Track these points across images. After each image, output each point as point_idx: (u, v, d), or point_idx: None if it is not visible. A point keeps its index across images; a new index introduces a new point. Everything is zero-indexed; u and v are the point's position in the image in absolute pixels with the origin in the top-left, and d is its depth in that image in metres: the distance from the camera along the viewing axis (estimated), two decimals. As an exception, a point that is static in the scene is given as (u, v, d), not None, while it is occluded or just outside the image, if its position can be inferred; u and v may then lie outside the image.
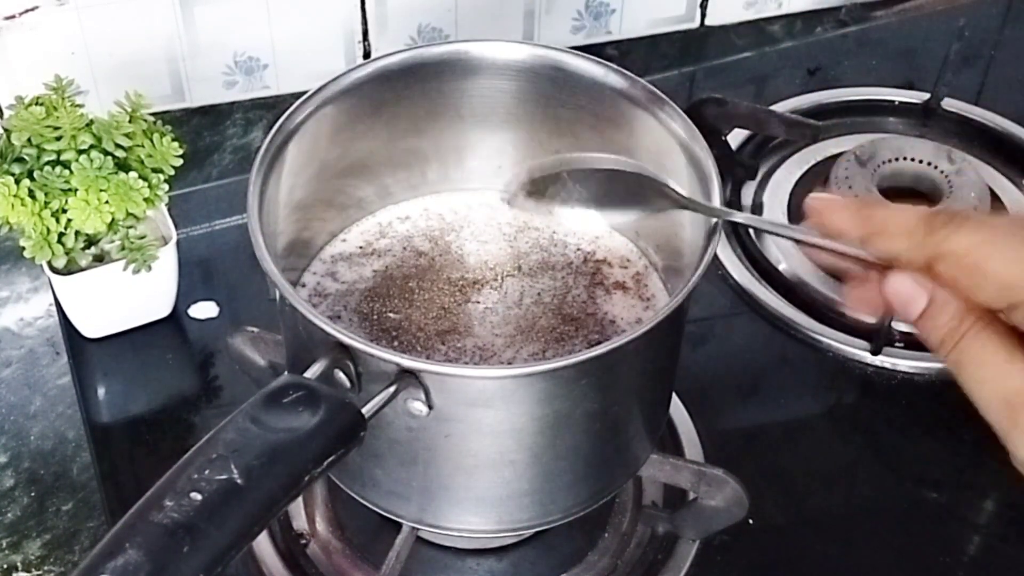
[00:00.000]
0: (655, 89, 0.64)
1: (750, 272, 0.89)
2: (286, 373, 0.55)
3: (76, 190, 0.73)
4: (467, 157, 0.72)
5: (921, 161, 0.93)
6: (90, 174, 0.73)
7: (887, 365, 0.83)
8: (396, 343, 0.65)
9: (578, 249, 0.71)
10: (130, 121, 0.76)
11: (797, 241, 0.57)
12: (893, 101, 1.03)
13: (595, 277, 0.69)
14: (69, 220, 0.74)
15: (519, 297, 0.68)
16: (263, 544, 0.71)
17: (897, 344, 0.83)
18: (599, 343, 0.65)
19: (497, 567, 0.71)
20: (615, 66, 0.65)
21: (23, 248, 0.75)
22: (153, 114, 0.79)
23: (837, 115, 1.01)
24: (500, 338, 0.65)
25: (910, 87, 1.04)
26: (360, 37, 0.99)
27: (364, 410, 0.52)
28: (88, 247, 0.78)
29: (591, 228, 0.71)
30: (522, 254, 0.70)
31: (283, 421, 0.49)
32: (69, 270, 0.78)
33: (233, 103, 0.99)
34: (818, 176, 0.95)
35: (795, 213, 0.94)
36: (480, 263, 0.70)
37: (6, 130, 0.74)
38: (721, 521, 0.69)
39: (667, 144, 0.64)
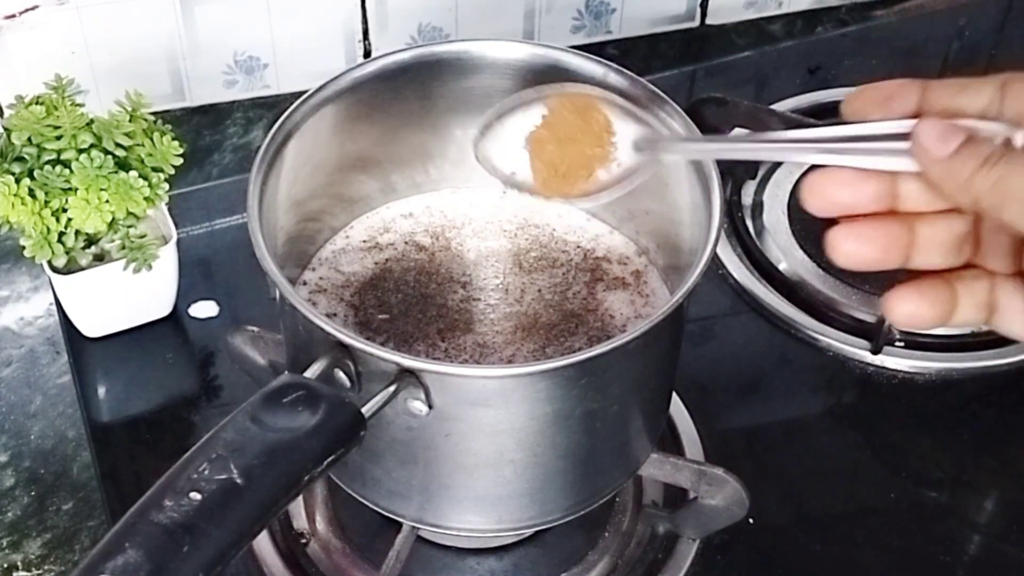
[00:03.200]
0: (655, 88, 0.64)
1: (750, 272, 0.89)
2: (286, 372, 0.55)
3: (76, 189, 0.73)
4: (468, 155, 0.71)
5: (921, 160, 0.93)
6: (90, 173, 0.73)
7: (887, 365, 0.83)
8: (395, 340, 0.65)
9: (578, 246, 0.71)
10: (130, 120, 0.76)
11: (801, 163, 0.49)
12: (893, 100, 1.03)
13: (595, 274, 0.69)
14: (69, 219, 0.74)
15: (520, 294, 0.68)
16: (263, 544, 0.71)
17: (897, 344, 0.83)
18: (600, 339, 0.65)
19: (497, 566, 0.71)
20: (615, 65, 0.65)
21: (23, 247, 0.74)
22: (153, 113, 0.79)
23: (837, 114, 1.01)
24: (500, 335, 0.65)
25: (910, 86, 1.04)
26: (360, 36, 0.99)
27: (364, 410, 0.52)
28: (88, 246, 0.78)
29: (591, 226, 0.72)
30: (522, 251, 0.70)
31: (283, 421, 0.49)
32: (69, 269, 0.78)
33: (233, 102, 0.99)
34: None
35: (795, 213, 0.94)
36: (481, 260, 0.70)
37: (6, 129, 0.74)
38: (721, 520, 0.69)
39: (667, 143, 0.64)
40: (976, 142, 0.42)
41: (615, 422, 0.61)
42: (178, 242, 0.80)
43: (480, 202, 0.73)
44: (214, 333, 0.83)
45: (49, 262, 0.77)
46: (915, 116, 0.44)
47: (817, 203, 0.45)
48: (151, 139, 0.76)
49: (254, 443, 0.48)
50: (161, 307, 0.84)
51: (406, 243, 0.71)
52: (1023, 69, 0.43)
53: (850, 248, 0.44)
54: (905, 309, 0.44)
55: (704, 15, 1.09)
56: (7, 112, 0.77)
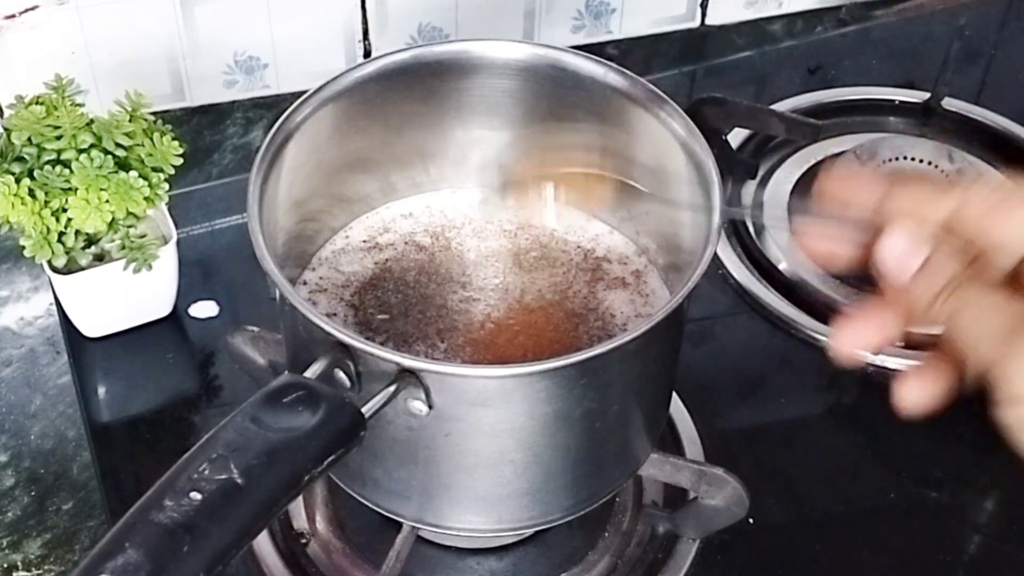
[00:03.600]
0: (655, 88, 0.64)
1: (750, 272, 0.89)
2: (286, 372, 0.55)
3: (76, 189, 0.73)
4: (468, 155, 0.72)
5: (921, 160, 0.93)
6: (90, 173, 0.73)
7: (887, 365, 0.83)
8: (395, 340, 0.65)
9: (578, 247, 0.71)
10: (130, 120, 0.76)
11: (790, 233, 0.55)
12: (893, 100, 1.03)
13: (595, 273, 0.69)
14: (69, 219, 0.74)
15: (520, 294, 0.68)
16: (263, 543, 0.71)
17: (897, 344, 0.83)
18: (600, 339, 0.65)
19: (497, 566, 0.71)
20: (615, 65, 0.65)
21: (23, 247, 0.74)
22: (153, 113, 0.79)
23: (837, 114, 1.01)
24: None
25: (910, 86, 1.04)
26: (360, 36, 0.99)
27: (364, 409, 0.52)
28: (88, 246, 0.78)
29: (591, 226, 0.72)
30: (522, 251, 0.70)
31: (283, 421, 0.49)
32: (69, 269, 0.78)
33: (233, 102, 0.99)
34: (818, 175, 0.96)
35: (795, 213, 0.94)
36: (481, 260, 0.70)
37: (6, 129, 0.74)
38: (721, 520, 0.69)
39: (667, 143, 0.64)
40: (933, 268, 0.43)
41: (615, 422, 0.61)
42: (178, 242, 0.80)
43: (481, 202, 0.73)
44: (214, 333, 0.83)
45: (49, 262, 0.77)
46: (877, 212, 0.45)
47: (808, 251, 0.50)
48: (151, 139, 0.76)
49: (254, 443, 0.48)
50: (161, 307, 0.84)
51: (406, 243, 0.71)
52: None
53: (850, 346, 0.47)
54: (912, 397, 0.46)
55: (704, 15, 1.09)
56: (7, 112, 0.77)
